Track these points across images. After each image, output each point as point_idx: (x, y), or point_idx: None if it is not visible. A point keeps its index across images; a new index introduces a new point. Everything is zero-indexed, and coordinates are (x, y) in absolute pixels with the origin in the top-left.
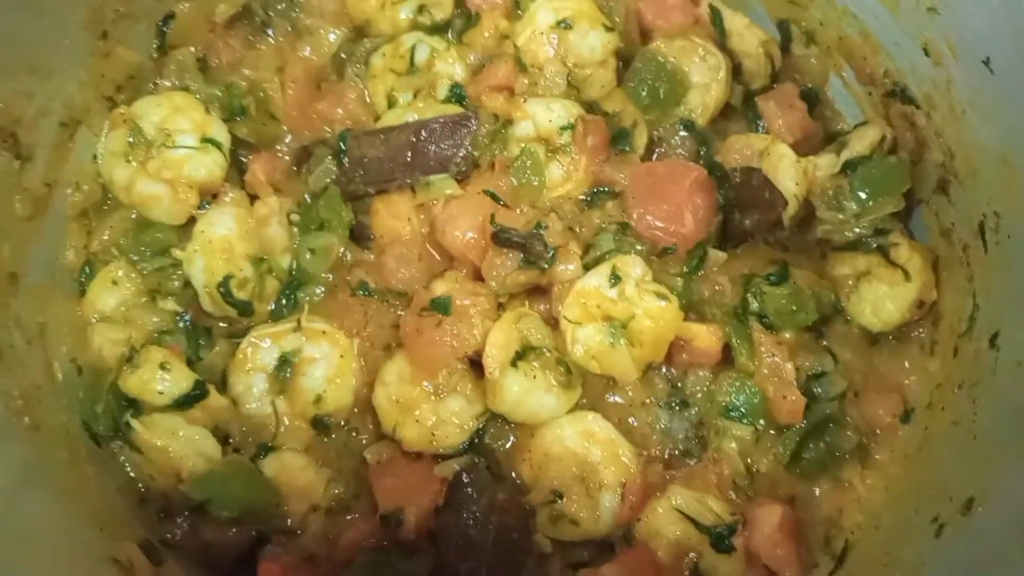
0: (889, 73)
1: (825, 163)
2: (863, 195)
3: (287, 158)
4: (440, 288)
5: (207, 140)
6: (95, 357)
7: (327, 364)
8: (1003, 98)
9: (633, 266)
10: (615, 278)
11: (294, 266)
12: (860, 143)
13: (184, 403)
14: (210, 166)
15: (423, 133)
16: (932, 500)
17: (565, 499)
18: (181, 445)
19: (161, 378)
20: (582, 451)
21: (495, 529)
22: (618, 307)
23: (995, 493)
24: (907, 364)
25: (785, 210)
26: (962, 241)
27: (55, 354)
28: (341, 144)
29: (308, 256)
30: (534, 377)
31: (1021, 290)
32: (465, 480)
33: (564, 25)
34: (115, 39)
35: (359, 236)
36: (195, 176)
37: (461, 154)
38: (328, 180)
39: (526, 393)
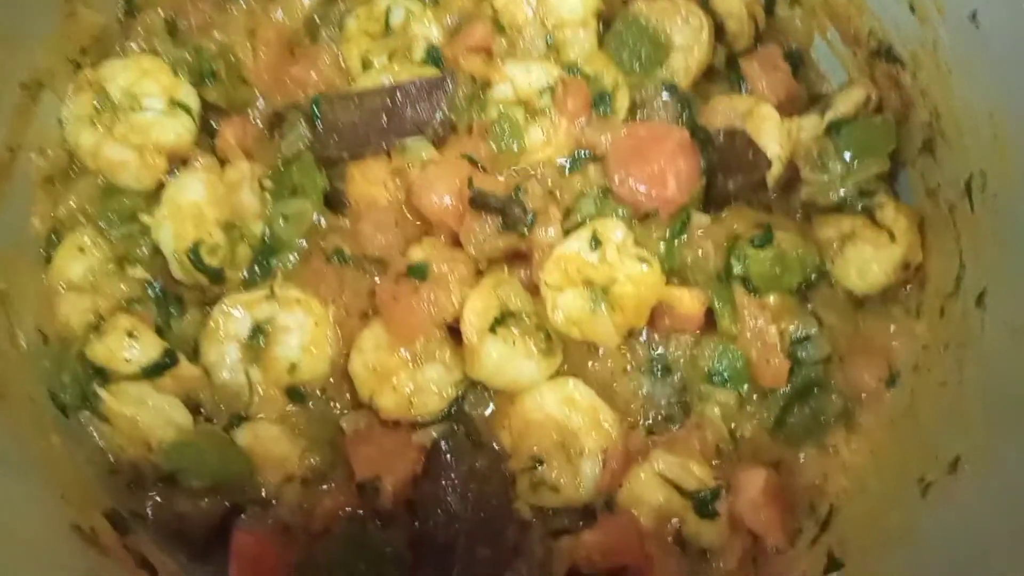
0: (874, 32)
1: (809, 124)
2: (848, 156)
3: (259, 123)
4: (417, 254)
5: (176, 104)
6: (62, 325)
7: (301, 332)
8: (990, 55)
9: (614, 230)
10: (596, 242)
11: (267, 233)
12: (845, 104)
13: (153, 371)
14: (179, 131)
15: (398, 96)
16: (918, 461)
17: (545, 466)
18: (150, 414)
19: (129, 346)
20: (563, 418)
21: (474, 497)
22: (599, 272)
23: (982, 451)
24: (893, 327)
25: (769, 171)
26: (948, 201)
27: (19, 322)
28: (315, 109)
29: (281, 223)
30: (513, 343)
31: (1008, 249)
32: (443, 448)
33: None
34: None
35: (334, 202)
36: (163, 141)
37: (438, 117)
38: (301, 145)
39: (505, 360)
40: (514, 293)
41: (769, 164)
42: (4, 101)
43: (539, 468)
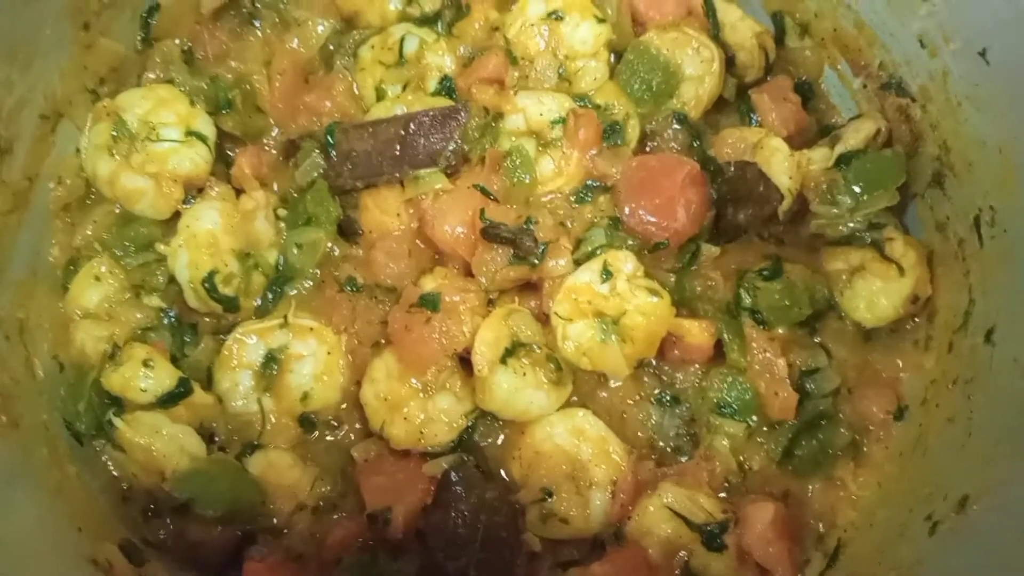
0: (884, 65)
1: (819, 156)
2: (857, 189)
3: (274, 151)
4: (429, 284)
5: (192, 133)
6: (78, 354)
7: (314, 361)
8: (999, 90)
9: (625, 261)
10: (606, 273)
11: (281, 261)
12: (855, 136)
13: (168, 401)
14: (195, 159)
15: (412, 126)
16: (926, 498)
17: (555, 497)
18: (164, 443)
19: (144, 375)
20: (572, 449)
21: (484, 528)
22: (609, 303)
23: (990, 491)
24: (901, 360)
25: (780, 204)
26: (957, 235)
27: (36, 351)
28: (329, 137)
29: (295, 251)
30: (524, 374)
31: (1017, 285)
32: (454, 478)
33: (555, 16)
34: (98, 30)
35: (347, 231)
36: (180, 170)
37: (450, 148)
38: (316, 174)
39: (516, 390)
40: (524, 323)
41: (781, 197)
42: (24, 131)
43: (549, 500)
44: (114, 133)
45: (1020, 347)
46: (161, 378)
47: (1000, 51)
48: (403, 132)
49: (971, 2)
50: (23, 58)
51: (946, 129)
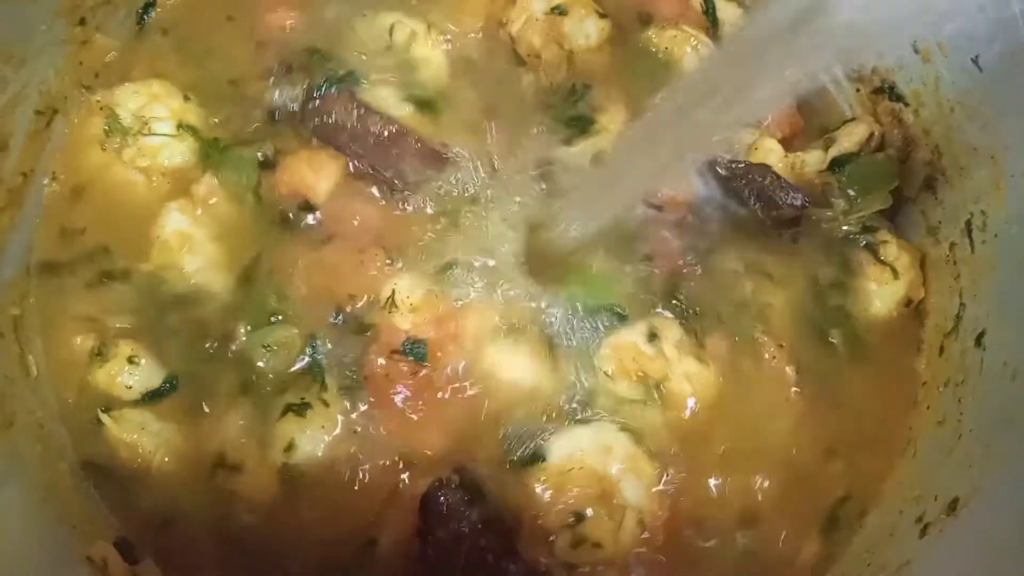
0: (877, 70)
1: (813, 159)
2: (851, 192)
3: None
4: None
5: (184, 127)
6: (66, 351)
7: None
8: (991, 96)
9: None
10: (652, 336)
11: None
12: (848, 140)
13: (153, 398)
14: (186, 153)
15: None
16: (917, 500)
17: (587, 521)
18: (150, 440)
19: (129, 373)
20: (601, 467)
21: (466, 553)
22: (655, 364)
23: (980, 493)
24: None
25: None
26: (949, 240)
27: (30, 349)
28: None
29: None
30: None
31: (1007, 289)
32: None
33: (559, 11)
34: (93, 25)
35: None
36: (170, 164)
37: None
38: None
39: None
40: None
41: (805, 203)
42: (19, 127)
43: (579, 524)
44: (106, 128)
45: (1010, 351)
46: (147, 375)
47: (992, 59)
48: (386, 135)
49: (964, 8)
50: (18, 55)
51: (938, 134)
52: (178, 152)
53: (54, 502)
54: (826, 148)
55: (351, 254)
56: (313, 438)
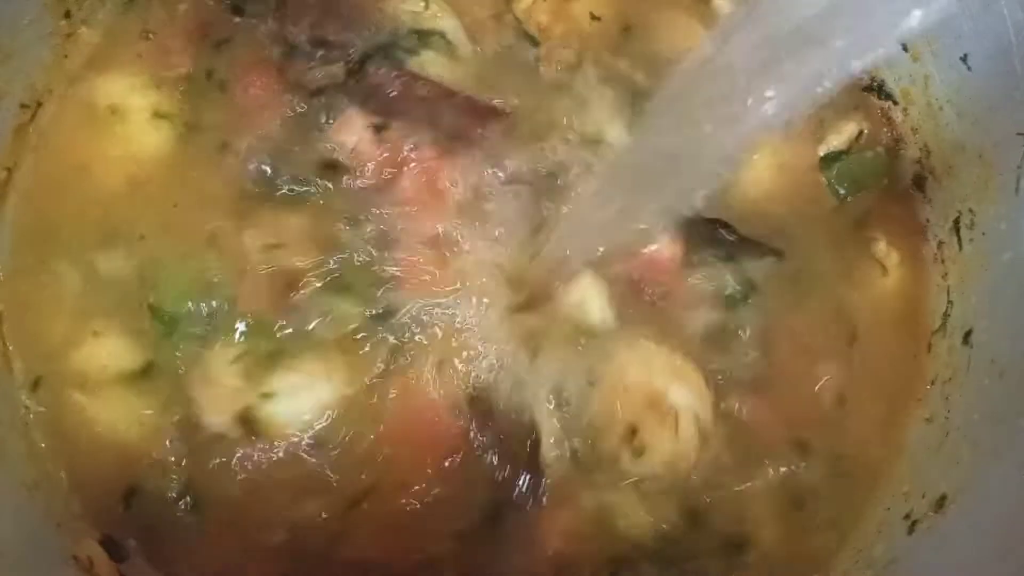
0: (867, 68)
1: (802, 156)
2: (841, 190)
3: None
4: None
5: (159, 116)
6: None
7: None
8: (980, 96)
9: None
10: None
11: None
12: (837, 138)
13: (131, 380)
14: (159, 143)
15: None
16: (904, 497)
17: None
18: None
19: (107, 354)
20: (644, 380)
21: None
22: None
23: (968, 490)
24: None
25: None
26: (937, 238)
27: (14, 342)
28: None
29: None
30: None
31: (995, 288)
32: None
33: None
34: (79, 19)
35: None
36: (143, 153)
37: None
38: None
39: None
40: None
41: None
42: (3, 122)
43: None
44: (92, 119)
45: (997, 349)
46: (122, 356)
47: (981, 58)
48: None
49: (954, 7)
50: (4, 48)
51: (927, 132)
52: (152, 143)
53: (39, 500)
54: (816, 145)
55: None
56: None
